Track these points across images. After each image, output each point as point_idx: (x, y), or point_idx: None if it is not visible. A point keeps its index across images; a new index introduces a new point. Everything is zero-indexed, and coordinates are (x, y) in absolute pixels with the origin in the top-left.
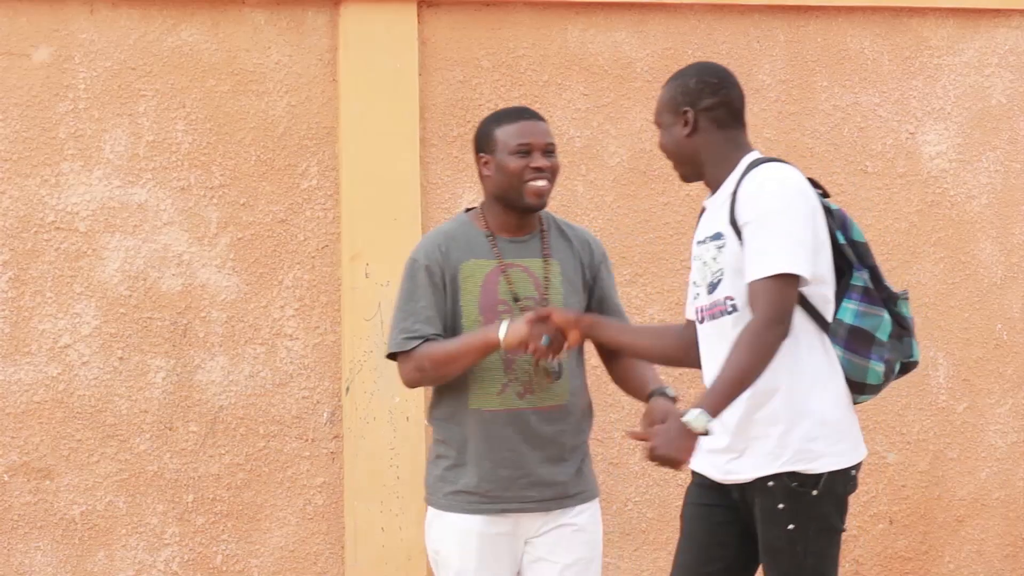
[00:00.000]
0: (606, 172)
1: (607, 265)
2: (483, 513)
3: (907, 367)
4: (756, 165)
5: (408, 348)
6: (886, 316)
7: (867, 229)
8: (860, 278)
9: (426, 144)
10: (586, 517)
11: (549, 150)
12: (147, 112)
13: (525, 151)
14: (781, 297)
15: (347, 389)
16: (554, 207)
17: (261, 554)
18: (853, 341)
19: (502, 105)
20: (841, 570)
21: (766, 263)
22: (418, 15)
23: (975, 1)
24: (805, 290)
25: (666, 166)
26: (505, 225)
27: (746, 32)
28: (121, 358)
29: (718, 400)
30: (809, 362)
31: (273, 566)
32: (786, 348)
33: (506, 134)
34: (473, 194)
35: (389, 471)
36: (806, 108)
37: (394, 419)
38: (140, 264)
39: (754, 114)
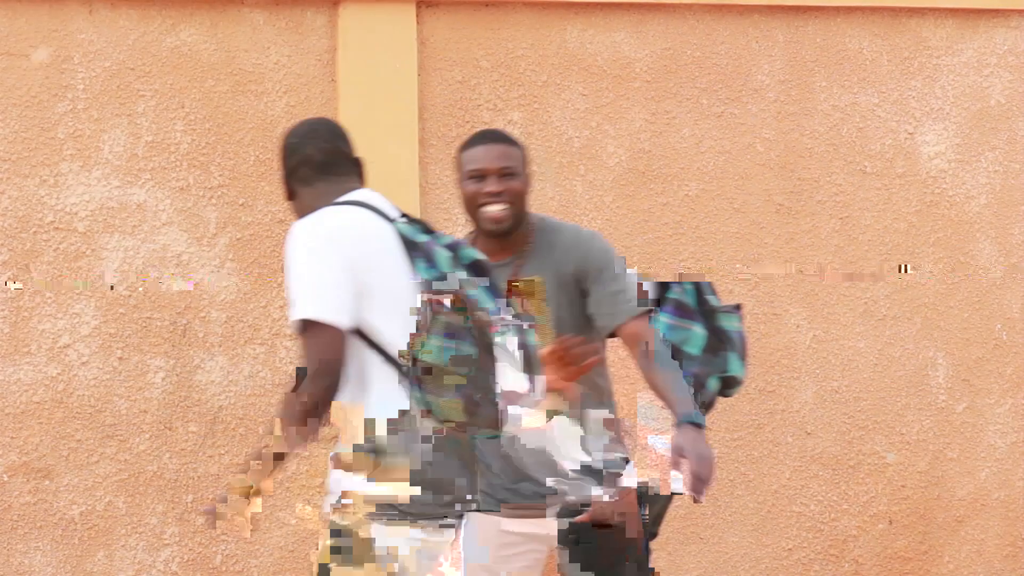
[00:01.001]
0: (605, 172)
1: (591, 266)
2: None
3: (729, 383)
4: None
5: None
6: (697, 329)
7: (866, 229)
8: (675, 292)
9: (425, 144)
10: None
11: (506, 173)
12: (146, 112)
13: (478, 176)
14: (313, 347)
15: None
16: (554, 208)
17: (261, 554)
18: (428, 379)
19: (501, 105)
20: (841, 570)
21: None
22: (417, 15)
23: (974, 1)
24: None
25: (665, 166)
26: (487, 248)
27: (745, 32)
28: (121, 358)
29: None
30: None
31: (273, 566)
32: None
33: (464, 159)
34: None
35: None
36: (805, 108)
37: None
38: (139, 264)
39: (753, 114)
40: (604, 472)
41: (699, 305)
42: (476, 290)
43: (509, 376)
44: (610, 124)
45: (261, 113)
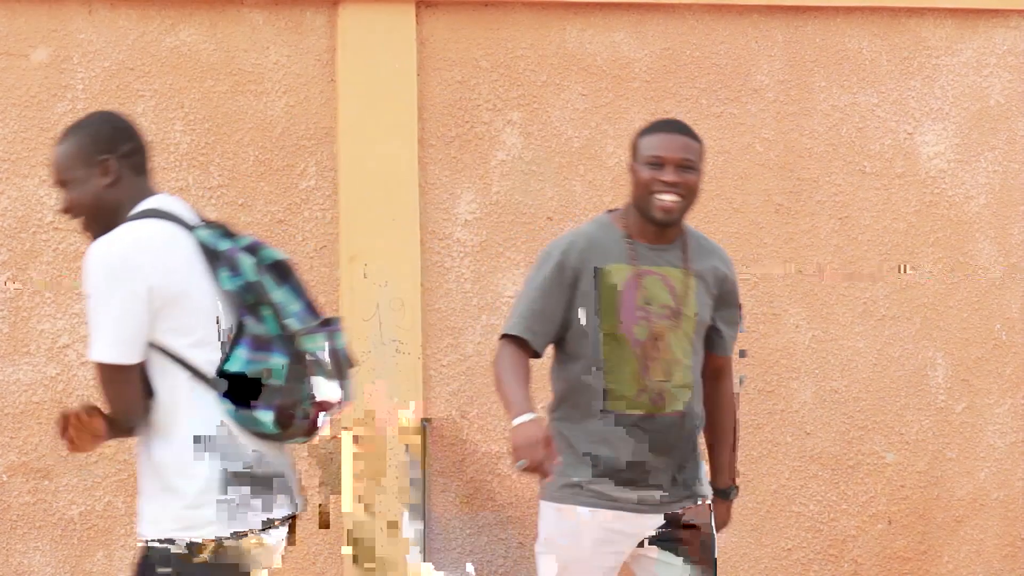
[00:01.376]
0: (604, 172)
1: (736, 285)
2: (597, 507)
3: (323, 406)
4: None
5: (507, 333)
6: (276, 360)
7: (865, 229)
8: (251, 324)
9: (424, 144)
10: (705, 515)
11: (684, 165)
12: (145, 112)
13: (656, 164)
14: (109, 389)
15: None
16: (554, 207)
17: None
18: (239, 393)
19: (500, 105)
20: (840, 570)
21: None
22: (416, 15)
23: (973, 1)
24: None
25: None
26: (644, 231)
27: (744, 32)
28: None
29: None
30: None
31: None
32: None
33: (644, 144)
34: (471, 195)
35: (388, 471)
36: (804, 108)
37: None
38: None
39: (752, 115)
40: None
41: (280, 331)
42: (281, 293)
43: (321, 384)
44: (609, 124)
45: (260, 113)
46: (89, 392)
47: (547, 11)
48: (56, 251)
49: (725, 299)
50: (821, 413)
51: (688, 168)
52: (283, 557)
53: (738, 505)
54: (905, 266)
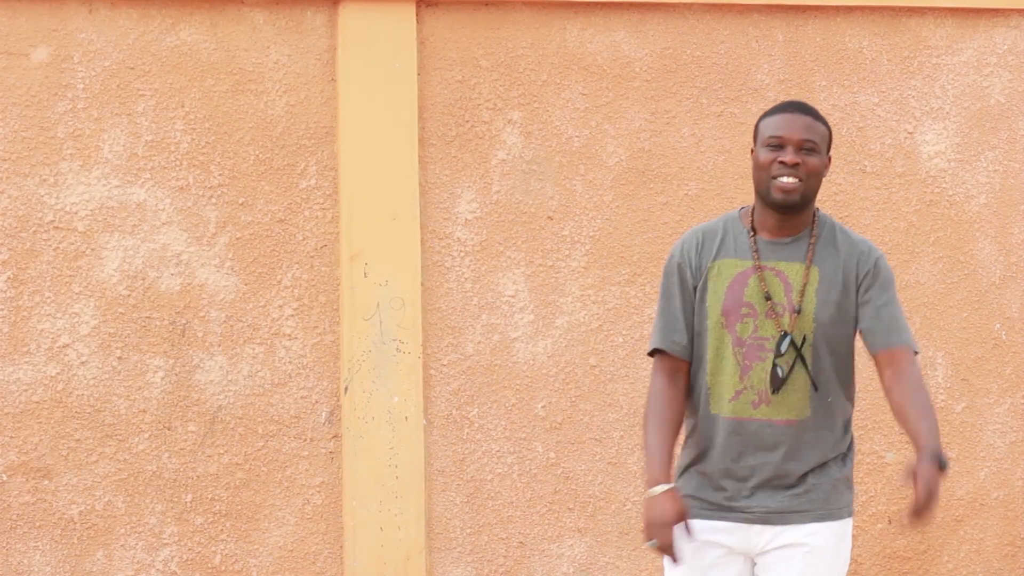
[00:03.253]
0: (605, 172)
1: (878, 278)
2: (702, 518)
3: None
4: None
5: (654, 349)
6: None
7: (866, 228)
8: None
9: (425, 144)
10: (819, 538)
11: (806, 147)
12: (146, 112)
13: (776, 144)
14: None
15: (346, 389)
16: (554, 207)
17: (260, 554)
18: None
19: (500, 104)
20: None
21: None
22: (417, 15)
23: (974, 1)
24: None
25: (665, 166)
26: (765, 224)
27: (745, 32)
28: (120, 358)
29: None
30: None
31: (272, 566)
32: None
33: (764, 125)
34: (472, 194)
35: (388, 471)
36: None
37: (393, 419)
38: (139, 264)
39: (753, 114)
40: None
41: None
42: None
43: None
44: (610, 123)
45: (261, 112)
46: (88, 391)
47: (547, 10)
48: (56, 250)
49: (875, 290)
50: None
51: (810, 150)
52: (283, 557)
53: None
54: (905, 265)
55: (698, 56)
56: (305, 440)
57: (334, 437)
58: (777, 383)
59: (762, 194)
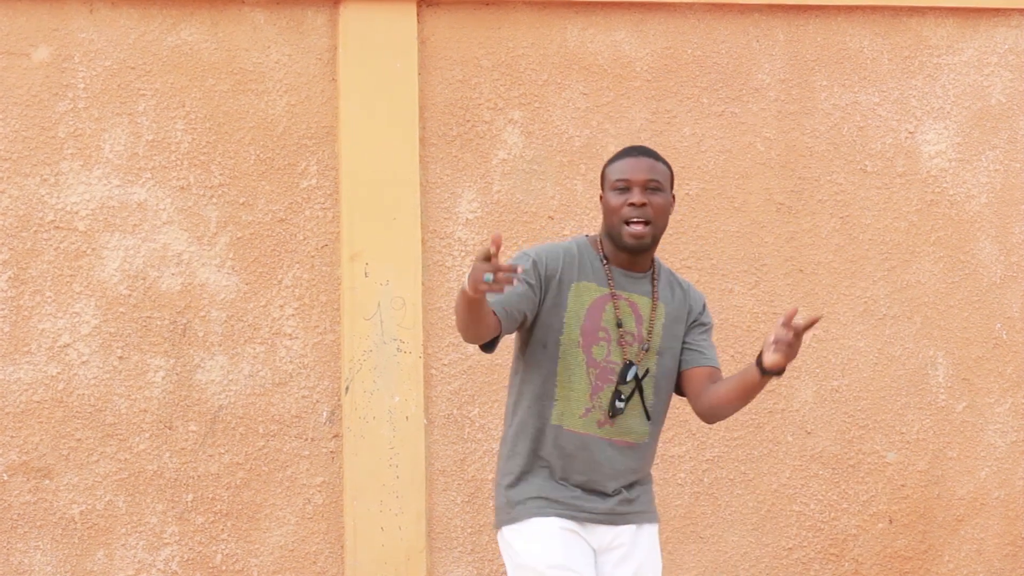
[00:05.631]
0: None
1: (707, 324)
2: (556, 516)
3: None
4: None
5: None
6: None
7: (866, 228)
8: None
9: (425, 143)
10: (647, 539)
11: (651, 186)
12: (146, 111)
13: (623, 187)
14: None
15: (347, 388)
16: (554, 207)
17: (260, 553)
18: None
19: (501, 104)
20: (840, 569)
21: None
22: (417, 14)
23: (975, 0)
24: None
25: None
26: (618, 258)
27: (745, 31)
28: (121, 357)
29: None
30: None
31: (272, 565)
32: None
33: (611, 171)
34: (472, 194)
35: (388, 470)
36: (805, 107)
37: (393, 418)
38: (139, 263)
39: (753, 114)
40: None
41: None
42: None
43: None
44: (611, 123)
45: (262, 112)
46: (89, 391)
47: (548, 10)
48: (57, 250)
49: (699, 327)
50: (822, 412)
51: (655, 190)
52: (284, 556)
53: (739, 504)
54: (906, 265)
55: (699, 56)
56: (306, 440)
57: (335, 437)
58: (615, 410)
59: (614, 238)
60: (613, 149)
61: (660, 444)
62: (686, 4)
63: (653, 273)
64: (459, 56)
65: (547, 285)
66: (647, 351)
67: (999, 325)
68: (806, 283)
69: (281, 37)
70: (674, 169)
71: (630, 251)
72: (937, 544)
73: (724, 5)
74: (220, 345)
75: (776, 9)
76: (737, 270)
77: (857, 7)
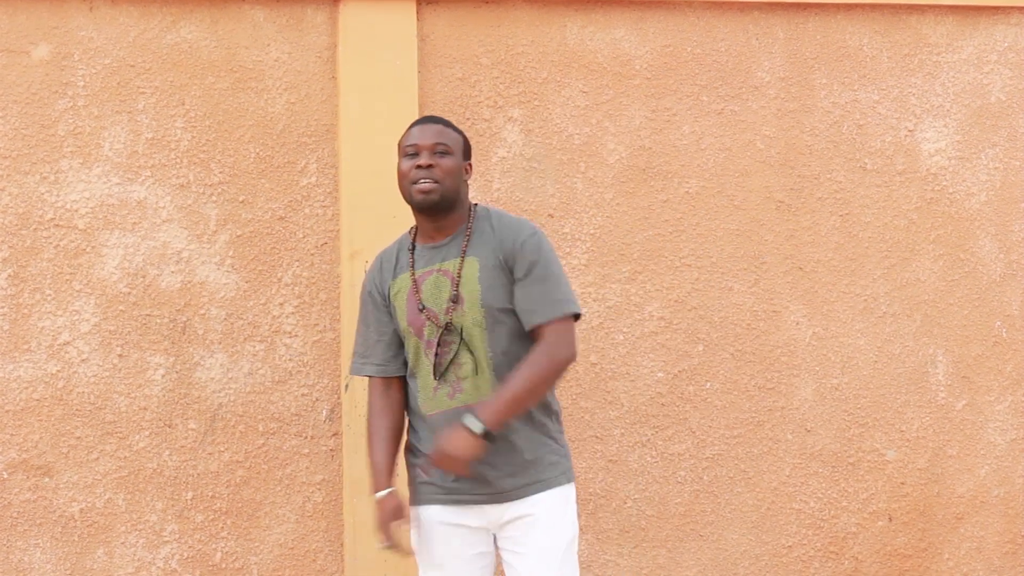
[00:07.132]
0: (605, 169)
1: (524, 257)
2: (440, 504)
3: None
4: None
5: (360, 374)
6: None
7: (866, 226)
8: None
9: None
10: (543, 507)
11: (439, 150)
12: (146, 109)
13: (412, 152)
14: None
15: (346, 386)
16: (554, 205)
17: (260, 551)
18: None
19: (501, 102)
20: (840, 567)
21: None
22: (417, 12)
23: None
24: None
25: (665, 164)
26: (425, 232)
27: (745, 29)
28: (120, 355)
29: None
30: None
31: (272, 563)
32: None
33: (402, 139)
34: (473, 192)
35: None
36: (805, 105)
37: None
38: (139, 261)
39: (753, 112)
40: None
41: None
42: None
43: None
44: (610, 121)
45: (261, 110)
46: (89, 389)
47: (548, 8)
48: (57, 248)
49: (521, 271)
50: (821, 410)
51: (443, 153)
52: (284, 554)
53: (738, 502)
54: (906, 263)
55: (698, 54)
56: (306, 438)
57: (335, 435)
58: (438, 371)
59: (408, 200)
60: (613, 147)
61: (660, 442)
62: (686, 2)
63: (468, 228)
64: (459, 54)
65: (384, 300)
66: (457, 305)
67: (999, 323)
68: (806, 281)
69: (281, 35)
70: (673, 167)
71: (424, 212)
72: (937, 542)
73: (724, 3)
74: (220, 343)
75: (776, 7)
76: (737, 268)
77: (856, 5)
